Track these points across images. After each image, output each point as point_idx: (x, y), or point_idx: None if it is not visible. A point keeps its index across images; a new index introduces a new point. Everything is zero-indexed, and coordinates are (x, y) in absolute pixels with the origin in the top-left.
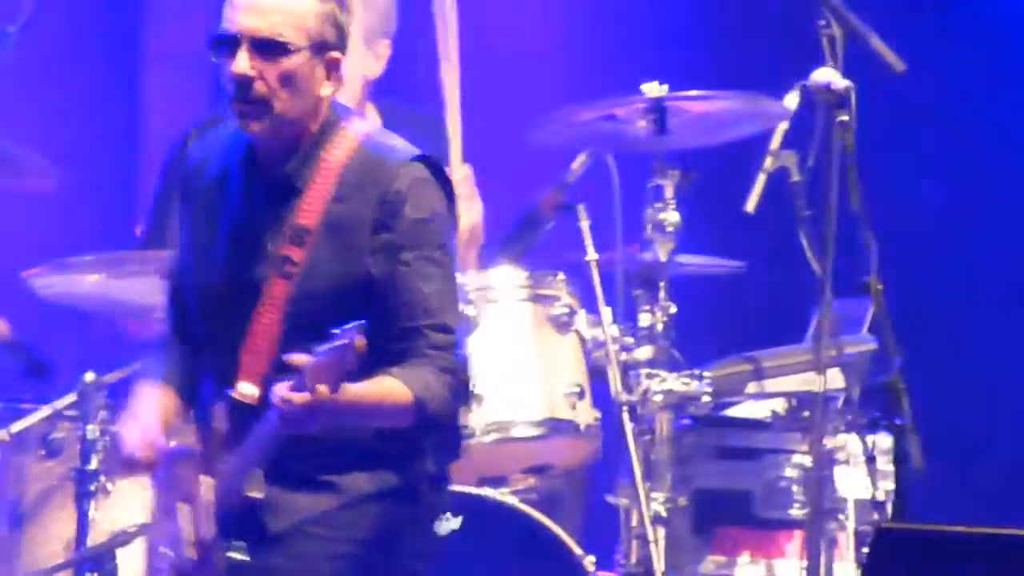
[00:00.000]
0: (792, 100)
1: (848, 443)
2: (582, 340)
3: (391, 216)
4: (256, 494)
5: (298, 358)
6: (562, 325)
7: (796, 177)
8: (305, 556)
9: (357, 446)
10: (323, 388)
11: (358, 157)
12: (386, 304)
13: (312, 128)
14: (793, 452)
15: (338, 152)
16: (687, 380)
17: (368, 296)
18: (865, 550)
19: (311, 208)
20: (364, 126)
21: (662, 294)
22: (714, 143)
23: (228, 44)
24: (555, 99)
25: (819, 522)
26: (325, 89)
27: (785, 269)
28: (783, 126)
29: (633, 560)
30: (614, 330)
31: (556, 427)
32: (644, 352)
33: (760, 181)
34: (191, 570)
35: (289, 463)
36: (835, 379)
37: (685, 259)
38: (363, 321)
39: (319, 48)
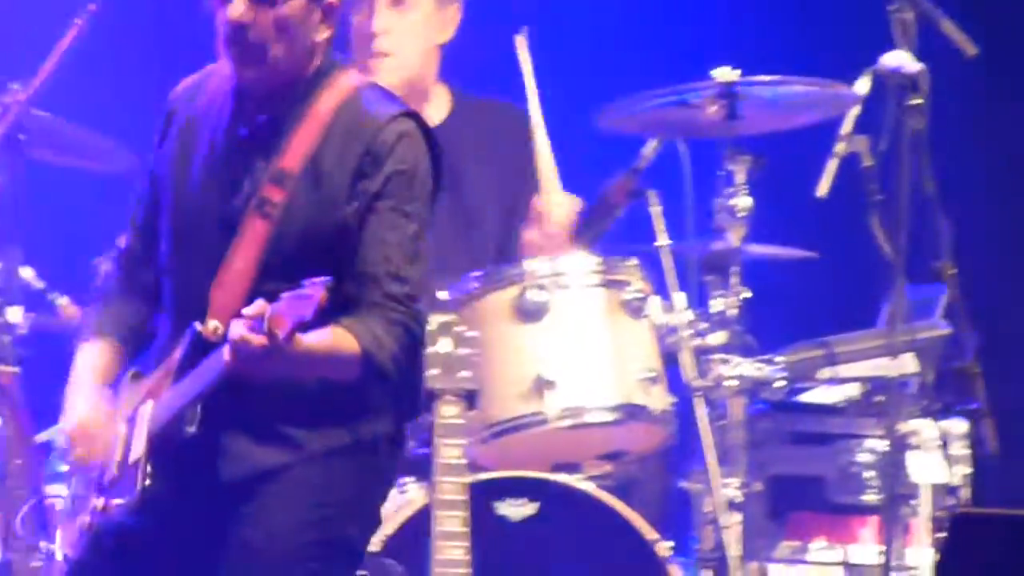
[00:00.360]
0: (863, 85)
1: (922, 428)
2: (655, 326)
3: (373, 166)
4: (190, 428)
5: (259, 305)
6: (635, 310)
7: (868, 162)
8: (260, 510)
9: (312, 400)
10: (278, 334)
11: (348, 107)
12: (351, 251)
13: (304, 74)
14: (867, 437)
15: (328, 100)
16: (760, 365)
17: (340, 243)
18: (940, 535)
19: (295, 152)
20: (357, 78)
21: (734, 279)
22: (785, 128)
23: None
24: (626, 85)
25: (893, 507)
26: (320, 35)
27: (858, 254)
28: (855, 111)
29: (708, 546)
30: (687, 315)
31: (630, 412)
32: (717, 337)
33: (832, 166)
34: (107, 488)
35: (246, 410)
36: (909, 364)
37: (757, 245)
38: (330, 278)
39: None
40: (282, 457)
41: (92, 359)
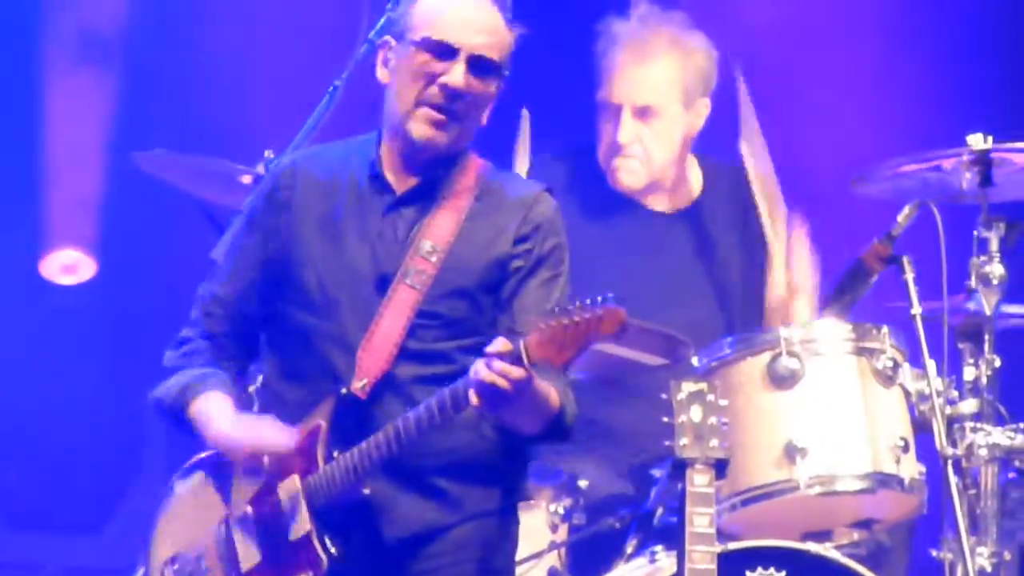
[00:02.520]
0: None
1: None
2: (907, 393)
3: (535, 235)
4: (366, 491)
5: (502, 342)
6: (887, 378)
7: None
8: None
9: (475, 454)
10: (552, 361)
11: (488, 180)
12: (503, 313)
13: (454, 149)
14: None
15: (468, 173)
16: (1012, 434)
17: (490, 307)
18: None
19: (445, 221)
20: (476, 157)
21: (987, 347)
22: None
23: (445, 52)
24: (881, 151)
25: None
26: (484, 119)
27: None
28: None
29: None
30: (939, 383)
31: (881, 481)
32: (969, 405)
33: None
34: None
35: (406, 468)
36: None
37: (1010, 311)
38: (612, 295)
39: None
40: (442, 517)
41: (229, 404)
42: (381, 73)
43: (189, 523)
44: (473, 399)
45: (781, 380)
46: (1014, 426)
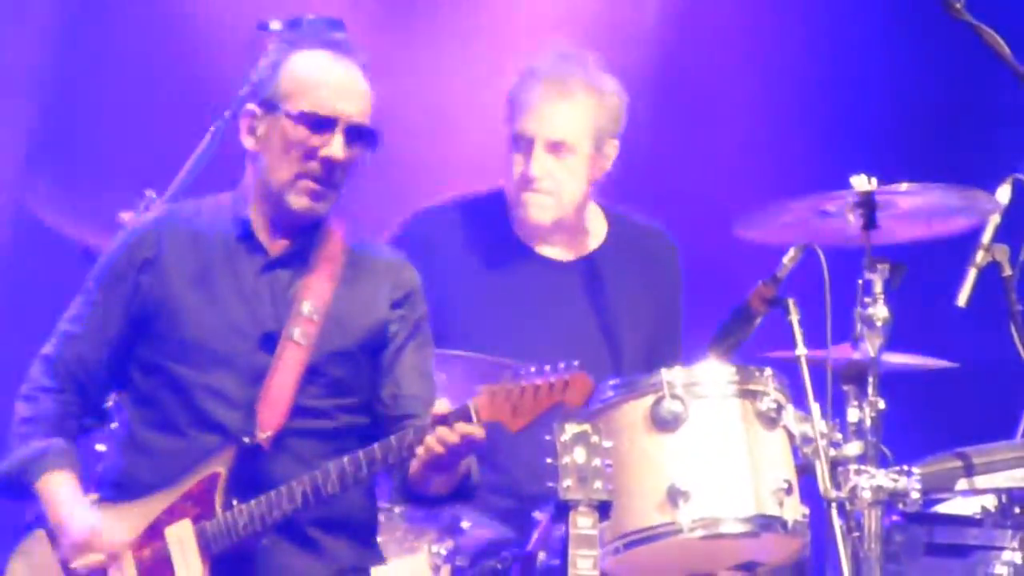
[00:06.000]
0: (1004, 193)
1: None
2: (790, 435)
3: (406, 303)
4: (266, 541)
5: (444, 403)
6: (770, 421)
7: (1008, 272)
8: None
9: (350, 508)
10: (505, 425)
11: (353, 245)
12: (382, 373)
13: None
14: (1003, 549)
15: (334, 237)
16: (896, 476)
17: (369, 367)
18: None
19: (319, 285)
20: (339, 222)
21: (871, 390)
22: (925, 236)
23: (323, 124)
24: (764, 193)
25: None
26: None
27: (996, 365)
28: (995, 219)
29: None
30: (823, 425)
31: (764, 524)
32: (853, 448)
33: (971, 275)
34: None
35: (295, 519)
36: None
37: (894, 355)
38: (577, 362)
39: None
40: (317, 568)
41: (71, 487)
42: (248, 142)
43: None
44: (420, 454)
45: (664, 423)
46: (898, 468)
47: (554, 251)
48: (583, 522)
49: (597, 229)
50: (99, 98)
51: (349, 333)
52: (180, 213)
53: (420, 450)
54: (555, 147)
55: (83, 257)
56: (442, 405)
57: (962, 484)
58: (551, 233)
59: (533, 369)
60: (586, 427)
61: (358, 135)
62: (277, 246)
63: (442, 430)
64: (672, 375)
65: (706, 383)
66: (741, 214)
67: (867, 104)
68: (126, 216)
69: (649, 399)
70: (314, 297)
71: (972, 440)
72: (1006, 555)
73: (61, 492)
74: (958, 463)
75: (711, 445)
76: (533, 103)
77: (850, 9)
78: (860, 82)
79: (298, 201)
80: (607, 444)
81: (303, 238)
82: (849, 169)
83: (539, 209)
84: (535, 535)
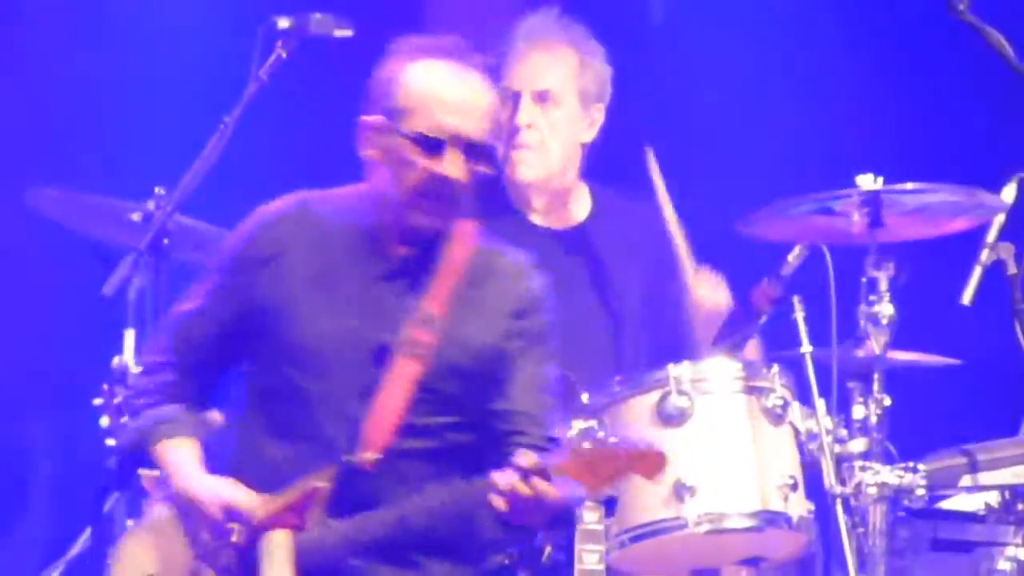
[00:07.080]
0: (1010, 192)
1: None
2: (796, 432)
3: (530, 310)
4: (355, 561)
5: (530, 456)
6: (776, 417)
7: (1013, 270)
8: None
9: (448, 532)
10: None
11: (481, 250)
12: (501, 387)
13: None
14: (1007, 545)
15: (462, 242)
16: (901, 473)
17: (490, 380)
18: None
19: (439, 293)
20: (470, 224)
21: (876, 387)
22: (930, 235)
23: (441, 146)
24: (770, 192)
25: None
26: None
27: (1001, 362)
28: (1000, 218)
29: None
30: (828, 422)
31: (770, 519)
32: (858, 444)
33: (976, 274)
34: None
35: (386, 539)
36: None
37: (899, 353)
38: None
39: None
40: None
41: (196, 453)
42: (367, 152)
43: (153, 555)
44: (500, 506)
45: (670, 418)
46: (903, 465)
47: (547, 219)
48: (589, 517)
49: (584, 201)
50: (108, 94)
51: (466, 348)
52: (310, 206)
53: (499, 502)
54: (540, 96)
55: (95, 255)
56: (527, 459)
57: (966, 480)
58: (540, 195)
59: (607, 437)
60: (592, 423)
61: (478, 152)
62: (400, 252)
63: (521, 486)
64: (679, 371)
65: (712, 379)
66: (746, 212)
67: (873, 102)
68: (135, 216)
69: (655, 394)
70: (433, 306)
71: (976, 437)
72: (1010, 551)
73: (189, 458)
74: (962, 460)
75: (717, 441)
76: (517, 56)
77: (857, 8)
78: (866, 80)
79: (416, 219)
80: (613, 439)
81: (427, 245)
82: (855, 168)
83: (526, 167)
84: None
